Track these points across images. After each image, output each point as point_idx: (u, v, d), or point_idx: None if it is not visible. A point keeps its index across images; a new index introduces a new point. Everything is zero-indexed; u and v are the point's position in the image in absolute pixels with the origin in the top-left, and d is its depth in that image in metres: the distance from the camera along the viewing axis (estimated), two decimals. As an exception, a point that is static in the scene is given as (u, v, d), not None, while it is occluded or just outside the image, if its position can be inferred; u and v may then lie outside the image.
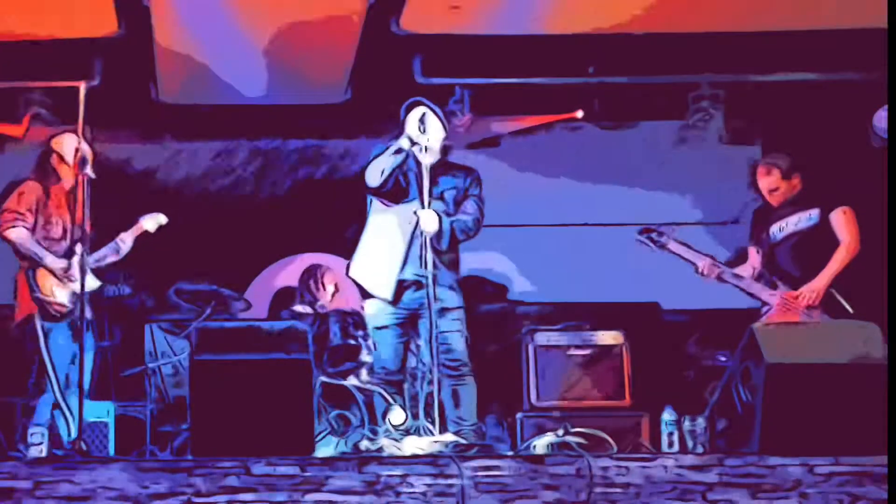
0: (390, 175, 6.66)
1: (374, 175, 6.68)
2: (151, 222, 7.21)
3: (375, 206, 6.82)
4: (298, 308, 8.35)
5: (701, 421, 6.28)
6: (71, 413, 6.55)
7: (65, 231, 6.90)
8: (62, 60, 8.05)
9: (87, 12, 7.44)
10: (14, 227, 6.81)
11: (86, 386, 6.68)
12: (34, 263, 6.80)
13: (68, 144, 6.90)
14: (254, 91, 8.55)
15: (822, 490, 5.19)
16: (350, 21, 7.73)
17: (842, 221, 7.04)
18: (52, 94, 8.37)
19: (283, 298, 8.88)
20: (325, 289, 8.37)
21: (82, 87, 6.68)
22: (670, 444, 6.40)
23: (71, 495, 4.96)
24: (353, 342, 7.66)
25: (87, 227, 6.76)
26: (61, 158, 6.93)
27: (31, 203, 6.85)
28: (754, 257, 7.25)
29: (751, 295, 7.14)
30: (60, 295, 6.78)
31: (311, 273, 8.48)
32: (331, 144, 9.27)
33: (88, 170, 6.54)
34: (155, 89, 8.55)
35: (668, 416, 6.52)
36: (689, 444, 6.29)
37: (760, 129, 9.07)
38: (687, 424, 6.33)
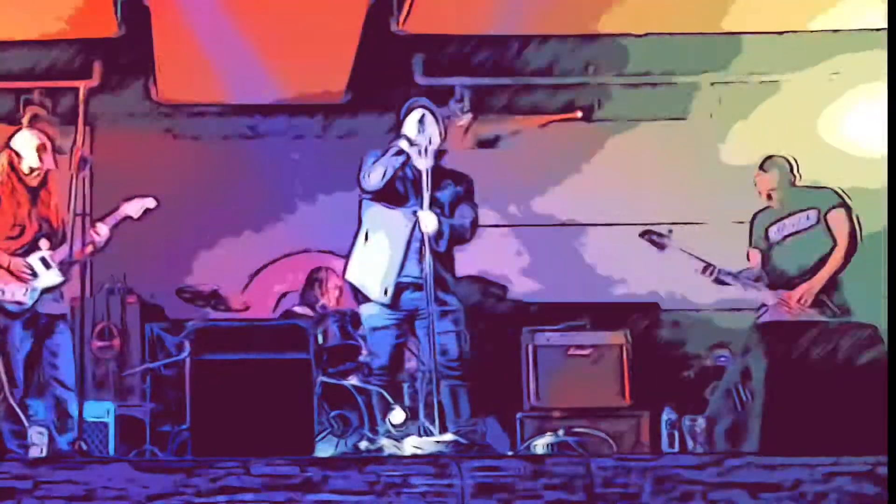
0: (391, 177, 6.66)
1: (375, 178, 6.67)
2: (135, 207, 6.89)
3: (370, 208, 6.81)
4: (298, 308, 8.35)
5: (701, 421, 6.28)
6: (24, 414, 6.51)
7: (24, 228, 6.81)
8: (62, 60, 8.06)
9: (87, 12, 7.44)
10: None
11: (67, 382, 6.68)
12: None
13: (24, 142, 6.84)
14: (254, 91, 8.55)
15: (822, 490, 5.19)
16: (350, 21, 7.73)
17: (840, 222, 7.04)
18: (52, 94, 8.37)
19: (284, 298, 8.88)
20: (328, 291, 8.37)
21: (82, 87, 6.67)
22: (670, 444, 6.41)
23: (71, 495, 4.96)
24: (352, 342, 7.66)
25: (56, 223, 6.74)
26: (18, 156, 6.84)
27: None
28: (754, 258, 7.26)
29: (749, 295, 7.14)
30: (16, 293, 6.72)
31: (316, 275, 8.48)
32: (331, 144, 9.26)
33: (50, 163, 6.54)
34: (155, 89, 8.55)
35: (668, 416, 6.53)
36: (689, 444, 6.30)
37: (759, 129, 9.07)
38: (687, 424, 6.34)
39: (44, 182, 6.79)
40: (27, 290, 6.66)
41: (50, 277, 6.69)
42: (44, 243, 6.72)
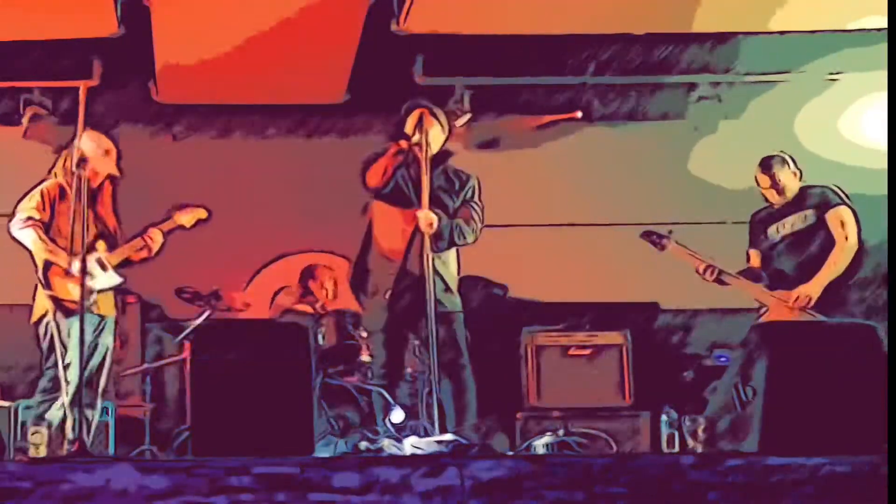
0: (391, 177, 6.66)
1: (375, 177, 6.68)
2: (188, 217, 7.08)
3: (375, 207, 6.82)
4: (298, 308, 8.35)
5: (701, 421, 6.28)
6: (79, 411, 6.56)
7: (86, 230, 6.85)
8: (62, 60, 8.06)
9: (87, 12, 7.44)
10: (24, 227, 6.76)
11: (102, 384, 6.74)
12: (47, 262, 6.77)
13: (90, 143, 6.89)
14: (254, 91, 8.55)
15: (822, 490, 5.19)
16: (350, 21, 7.74)
17: (838, 221, 7.04)
18: (52, 94, 8.37)
19: (278, 296, 8.87)
20: (325, 288, 8.38)
21: (82, 87, 6.68)
22: (670, 445, 6.40)
23: (71, 495, 4.96)
24: (352, 342, 7.66)
25: (111, 225, 6.80)
26: (83, 156, 6.88)
27: (45, 202, 6.77)
28: (754, 258, 7.25)
29: (749, 296, 7.13)
30: (74, 292, 6.76)
31: (311, 273, 8.49)
32: (331, 144, 9.27)
33: (112, 168, 6.59)
34: (155, 89, 8.55)
35: (667, 416, 6.52)
36: (689, 444, 6.29)
37: (758, 129, 9.08)
38: (687, 424, 6.33)
39: (102, 185, 6.86)
40: (85, 290, 6.70)
41: (106, 279, 6.74)
42: (100, 245, 6.78)
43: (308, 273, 8.49)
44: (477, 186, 6.91)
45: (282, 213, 9.20)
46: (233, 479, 5.02)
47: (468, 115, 8.66)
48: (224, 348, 5.78)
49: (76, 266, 6.68)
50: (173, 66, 8.23)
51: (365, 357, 7.45)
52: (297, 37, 7.86)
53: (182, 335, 7.79)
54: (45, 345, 6.71)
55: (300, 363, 5.79)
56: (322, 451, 6.31)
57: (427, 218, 6.57)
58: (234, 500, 4.99)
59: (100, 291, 6.76)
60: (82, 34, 7.71)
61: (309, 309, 8.28)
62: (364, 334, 7.45)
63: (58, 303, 6.69)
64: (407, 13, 7.59)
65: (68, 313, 6.67)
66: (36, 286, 6.80)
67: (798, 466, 5.22)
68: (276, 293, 8.92)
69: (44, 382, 6.72)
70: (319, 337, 7.63)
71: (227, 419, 5.55)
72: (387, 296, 6.71)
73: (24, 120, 8.39)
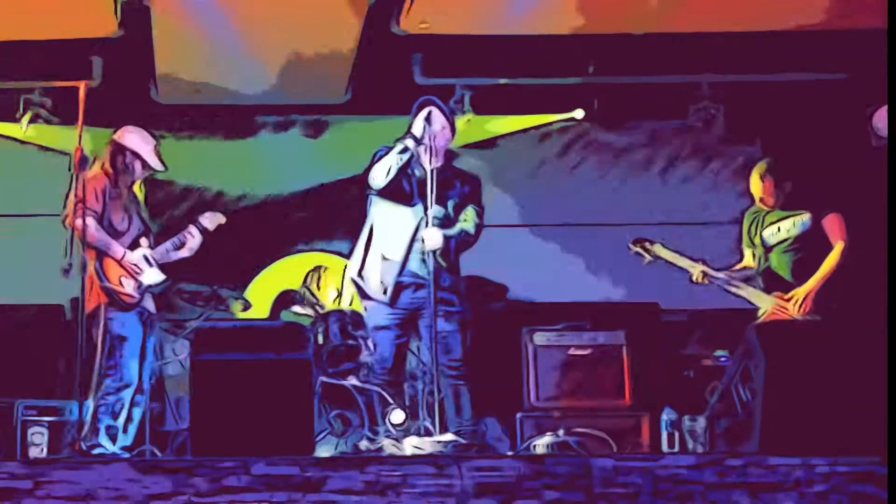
0: (396, 176, 6.65)
1: (380, 176, 6.66)
2: (211, 221, 7.13)
3: (376, 206, 6.81)
4: (298, 308, 8.35)
5: (701, 421, 6.29)
6: (126, 408, 6.60)
7: (130, 225, 6.87)
8: (62, 60, 8.05)
9: (87, 12, 7.44)
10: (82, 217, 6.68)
11: (145, 384, 6.76)
12: (101, 254, 6.73)
13: (138, 140, 6.90)
14: (254, 91, 8.55)
15: (822, 490, 5.19)
16: (350, 21, 7.74)
17: (835, 225, 7.03)
18: (52, 94, 8.37)
19: (284, 298, 8.87)
20: (326, 289, 8.37)
21: (82, 87, 6.67)
22: (670, 444, 6.41)
23: (71, 495, 4.96)
24: (353, 342, 7.66)
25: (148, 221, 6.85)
26: (134, 154, 6.89)
27: (98, 193, 6.73)
28: (748, 258, 7.25)
29: (743, 298, 7.14)
30: (127, 285, 6.75)
31: (313, 273, 8.49)
32: (331, 144, 9.27)
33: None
34: (155, 89, 8.55)
35: (668, 416, 6.53)
36: (689, 444, 6.30)
37: (760, 129, 9.08)
38: (687, 424, 6.34)
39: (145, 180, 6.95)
40: (137, 285, 6.72)
41: (153, 275, 6.76)
42: (144, 241, 6.80)
43: (311, 274, 8.49)
44: (479, 186, 6.91)
45: (282, 213, 9.21)
46: (233, 479, 5.03)
47: (468, 115, 8.66)
48: (224, 348, 5.80)
49: (129, 258, 6.69)
50: (173, 66, 8.23)
51: (365, 357, 7.44)
52: (298, 36, 7.86)
53: (182, 335, 7.79)
54: (98, 339, 6.60)
55: (300, 363, 5.80)
56: (322, 451, 6.31)
57: (433, 235, 6.56)
58: (234, 500, 5.00)
59: (148, 288, 6.78)
60: (82, 34, 7.71)
61: (310, 310, 8.28)
62: (364, 334, 7.45)
63: (110, 295, 6.67)
64: (407, 13, 7.59)
65: (117, 307, 6.66)
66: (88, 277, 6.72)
67: (798, 466, 5.23)
68: (278, 296, 8.92)
69: (111, 378, 6.67)
70: (319, 337, 7.63)
71: (227, 419, 5.56)
72: (387, 295, 6.70)
73: (24, 120, 8.39)
